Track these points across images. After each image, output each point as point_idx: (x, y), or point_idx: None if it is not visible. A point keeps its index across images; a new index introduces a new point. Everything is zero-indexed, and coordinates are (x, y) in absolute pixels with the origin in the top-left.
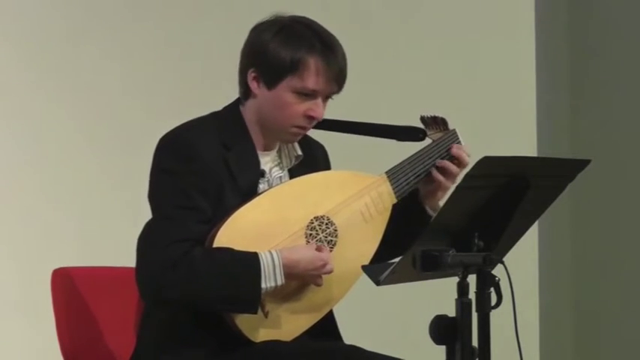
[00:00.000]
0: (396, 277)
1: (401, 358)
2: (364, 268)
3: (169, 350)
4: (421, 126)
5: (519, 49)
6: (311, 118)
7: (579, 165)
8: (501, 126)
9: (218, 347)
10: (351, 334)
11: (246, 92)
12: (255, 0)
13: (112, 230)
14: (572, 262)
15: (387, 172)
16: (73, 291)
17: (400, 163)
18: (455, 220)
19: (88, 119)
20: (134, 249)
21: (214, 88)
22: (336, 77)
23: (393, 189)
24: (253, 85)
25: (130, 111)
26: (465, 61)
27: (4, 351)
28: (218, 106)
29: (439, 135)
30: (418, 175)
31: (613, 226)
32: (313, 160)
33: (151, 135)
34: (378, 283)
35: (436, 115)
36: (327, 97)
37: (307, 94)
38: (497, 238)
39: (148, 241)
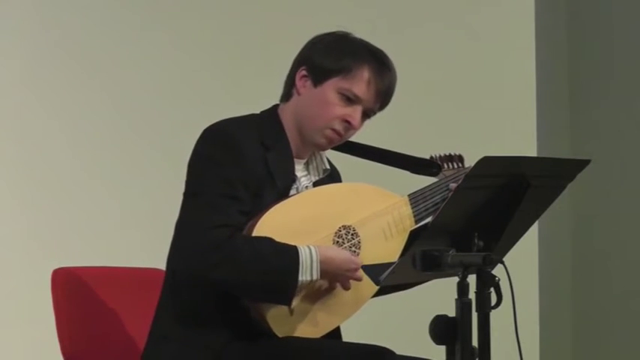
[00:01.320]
0: (396, 277)
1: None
2: (364, 267)
3: (189, 333)
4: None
5: (519, 49)
6: (348, 124)
7: (579, 165)
8: (501, 126)
9: (240, 334)
10: (351, 333)
11: (289, 92)
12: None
13: (112, 230)
14: (572, 262)
15: (409, 195)
16: (73, 291)
17: (422, 189)
18: (455, 220)
19: (88, 119)
20: (134, 249)
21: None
22: (384, 93)
23: (413, 213)
24: (300, 83)
25: (132, 112)
26: (465, 61)
27: (4, 351)
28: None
29: (453, 172)
30: (435, 204)
31: (613, 226)
32: (333, 179)
33: (152, 135)
34: (378, 283)
35: (451, 153)
36: (366, 114)
37: (350, 99)
38: (497, 238)
39: (192, 223)
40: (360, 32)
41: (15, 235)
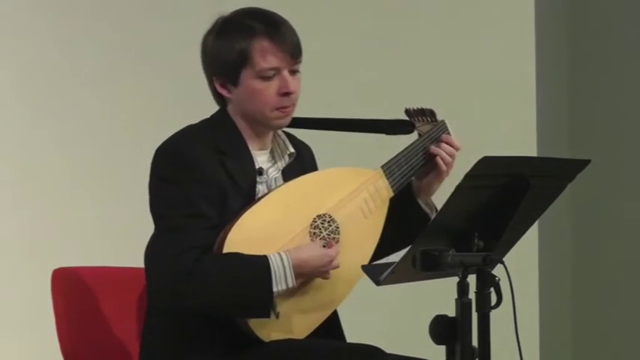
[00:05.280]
0: (396, 277)
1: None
2: (364, 268)
3: (179, 352)
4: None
5: (519, 49)
6: (286, 94)
7: (579, 165)
8: (501, 126)
9: (229, 347)
10: (351, 333)
11: (221, 100)
12: None
13: (112, 230)
14: (572, 262)
15: (382, 167)
16: (73, 291)
17: (395, 157)
18: (455, 220)
19: (89, 120)
20: (134, 249)
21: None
22: (290, 48)
23: (390, 183)
24: (224, 92)
25: (131, 113)
26: (465, 60)
27: (4, 351)
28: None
29: (428, 127)
30: (413, 168)
31: (613, 226)
32: (302, 159)
33: (151, 135)
34: (377, 283)
35: (422, 107)
36: (292, 71)
37: (269, 75)
38: (497, 238)
39: (158, 251)
40: (359, 29)
41: (15, 235)
